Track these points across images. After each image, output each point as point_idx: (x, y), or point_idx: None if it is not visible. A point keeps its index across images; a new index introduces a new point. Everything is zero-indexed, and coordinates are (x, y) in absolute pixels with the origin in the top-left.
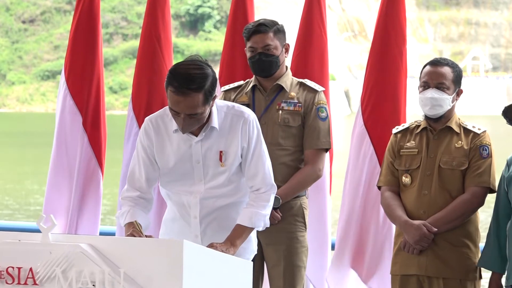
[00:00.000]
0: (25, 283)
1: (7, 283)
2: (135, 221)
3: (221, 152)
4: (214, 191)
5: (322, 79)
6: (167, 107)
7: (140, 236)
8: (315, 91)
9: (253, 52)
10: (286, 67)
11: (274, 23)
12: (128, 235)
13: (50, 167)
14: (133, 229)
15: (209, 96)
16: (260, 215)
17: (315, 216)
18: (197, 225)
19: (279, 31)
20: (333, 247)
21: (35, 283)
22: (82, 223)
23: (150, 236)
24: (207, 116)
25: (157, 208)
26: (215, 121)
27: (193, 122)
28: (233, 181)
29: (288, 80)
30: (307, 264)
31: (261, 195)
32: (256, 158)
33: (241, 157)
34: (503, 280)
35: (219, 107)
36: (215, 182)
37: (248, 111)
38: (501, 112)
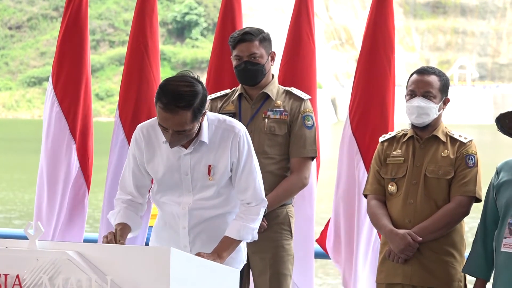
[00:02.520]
0: None
1: None
2: (116, 229)
3: (209, 166)
4: (203, 202)
5: (310, 87)
6: None
7: (110, 242)
8: (301, 100)
9: (239, 60)
10: (273, 75)
11: (260, 32)
12: (103, 240)
13: (39, 174)
14: (110, 239)
15: (198, 114)
16: (248, 229)
17: (301, 224)
18: (186, 235)
19: (265, 40)
20: (316, 255)
21: None
22: (68, 231)
23: (121, 242)
24: (196, 131)
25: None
26: (205, 136)
27: (182, 138)
28: (223, 193)
29: (274, 88)
30: (294, 272)
31: (251, 208)
32: (247, 173)
33: (231, 171)
34: None
35: (210, 120)
36: (204, 194)
37: (239, 126)
38: (494, 118)
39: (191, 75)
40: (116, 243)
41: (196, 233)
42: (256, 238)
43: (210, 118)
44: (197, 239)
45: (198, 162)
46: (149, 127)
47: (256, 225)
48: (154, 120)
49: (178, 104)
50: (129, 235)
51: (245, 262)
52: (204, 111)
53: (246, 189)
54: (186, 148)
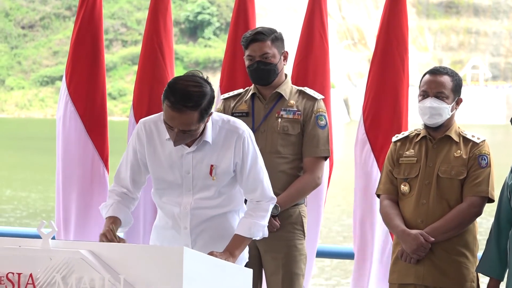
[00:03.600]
0: None
1: None
2: (112, 225)
3: (212, 166)
4: (204, 202)
5: (323, 87)
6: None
7: (111, 241)
8: (314, 99)
9: (251, 60)
10: (286, 75)
11: (272, 31)
12: (101, 239)
13: (57, 174)
14: (108, 237)
15: (204, 114)
16: (259, 226)
17: (311, 224)
18: (187, 235)
19: (277, 39)
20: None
21: None
22: (90, 230)
23: (123, 240)
24: (200, 131)
25: (152, 212)
26: (209, 135)
27: (186, 137)
28: (224, 192)
29: (287, 88)
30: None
31: (260, 205)
32: (253, 174)
33: (234, 172)
34: None
35: (214, 120)
36: (204, 193)
37: (243, 127)
38: (508, 118)
39: (200, 75)
40: (116, 241)
41: (197, 233)
42: (266, 235)
43: (214, 118)
44: (199, 238)
45: (200, 161)
46: (151, 123)
47: (266, 222)
48: (157, 116)
49: (186, 104)
50: (119, 230)
51: (247, 260)
52: (210, 112)
53: (254, 189)
54: (189, 146)
